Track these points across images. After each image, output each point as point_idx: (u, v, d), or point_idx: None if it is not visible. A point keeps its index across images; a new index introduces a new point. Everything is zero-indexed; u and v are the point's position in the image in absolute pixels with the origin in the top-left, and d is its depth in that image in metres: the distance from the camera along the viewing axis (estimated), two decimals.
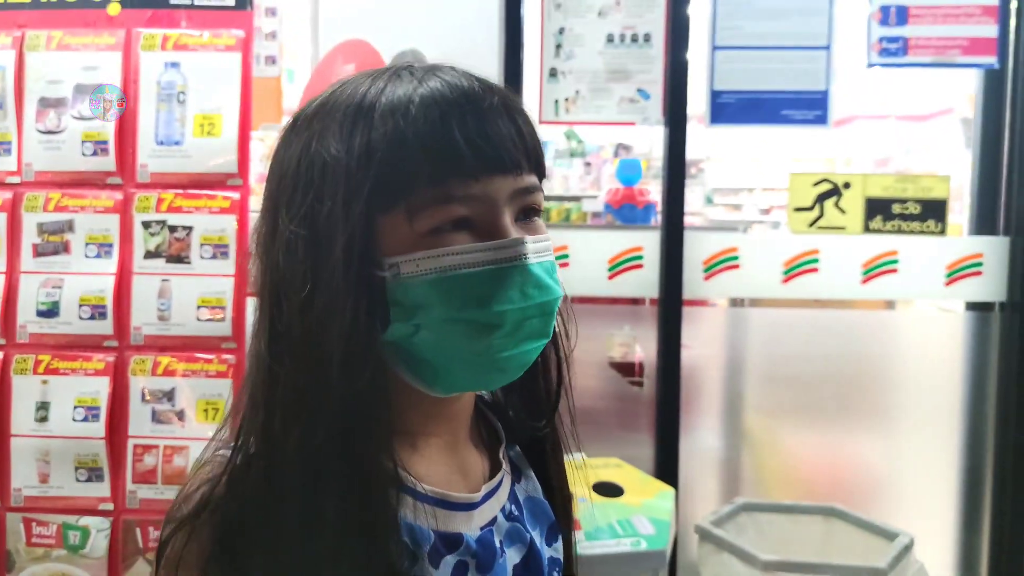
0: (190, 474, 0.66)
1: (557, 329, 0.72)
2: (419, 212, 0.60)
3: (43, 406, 1.77)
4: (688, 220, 2.40)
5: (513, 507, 0.73)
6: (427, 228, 0.61)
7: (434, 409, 0.68)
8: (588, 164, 5.36)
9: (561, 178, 5.18)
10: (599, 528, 1.79)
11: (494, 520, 0.70)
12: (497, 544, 0.70)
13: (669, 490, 1.97)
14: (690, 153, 2.37)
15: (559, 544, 0.76)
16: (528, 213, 0.65)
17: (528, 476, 0.77)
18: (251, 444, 0.62)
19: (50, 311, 1.78)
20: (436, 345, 0.62)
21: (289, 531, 0.59)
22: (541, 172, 0.67)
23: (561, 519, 0.78)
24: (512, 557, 0.71)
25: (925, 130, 5.96)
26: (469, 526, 0.68)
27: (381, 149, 0.60)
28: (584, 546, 1.72)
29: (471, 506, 0.69)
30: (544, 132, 5.26)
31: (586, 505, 1.89)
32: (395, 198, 0.60)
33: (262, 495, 0.60)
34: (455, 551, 0.66)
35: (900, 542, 1.90)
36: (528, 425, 0.76)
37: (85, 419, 1.76)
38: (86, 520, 1.76)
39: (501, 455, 0.75)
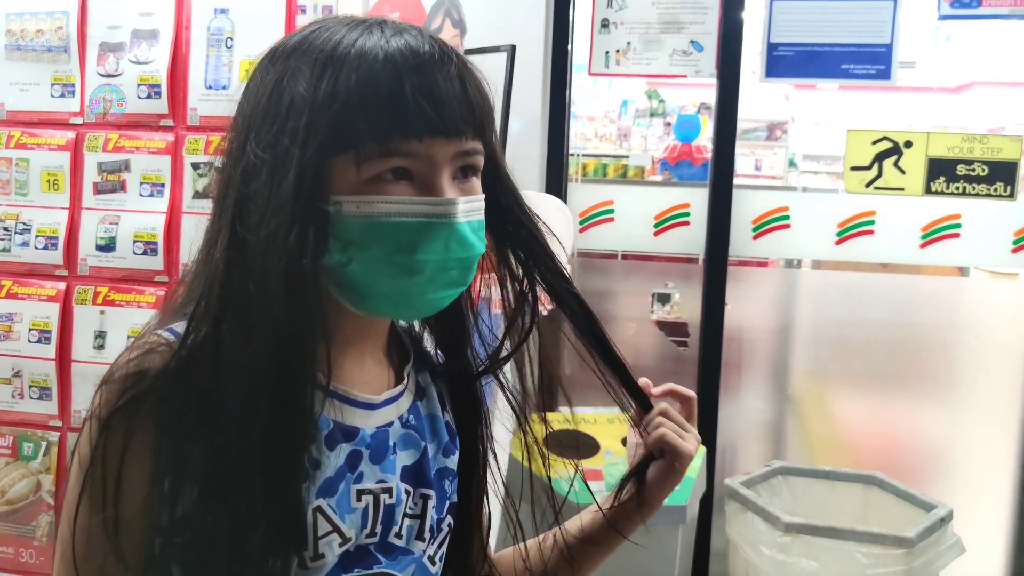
0: (128, 347, 0.71)
1: (527, 295, 0.81)
2: (365, 160, 0.67)
3: (100, 335, 1.89)
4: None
5: (412, 418, 0.80)
6: (370, 175, 0.67)
7: (353, 322, 0.75)
8: (668, 124, 5.27)
9: (640, 138, 5.11)
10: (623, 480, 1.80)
11: (391, 424, 0.78)
12: (391, 444, 0.77)
13: (700, 448, 1.97)
14: (774, 114, 2.32)
15: (454, 458, 0.83)
16: (466, 172, 0.72)
17: (431, 398, 0.84)
18: (200, 336, 0.68)
19: (107, 246, 1.89)
20: (364, 278, 0.69)
21: (226, 419, 0.66)
22: (486, 136, 0.73)
23: (467, 459, 0.85)
24: (403, 459, 0.78)
25: None
26: (367, 423, 0.76)
27: (340, 98, 0.67)
28: (603, 497, 1.74)
29: (370, 406, 0.76)
30: (621, 89, 5.20)
31: (612, 457, 1.91)
32: (346, 144, 0.67)
33: (204, 381, 0.67)
34: (351, 441, 0.74)
35: (936, 513, 1.85)
36: (450, 363, 0.84)
37: None
38: None
39: (406, 372, 0.82)
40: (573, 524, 0.95)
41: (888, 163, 2.25)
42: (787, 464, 2.18)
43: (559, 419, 2.10)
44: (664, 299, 2.43)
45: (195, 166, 1.88)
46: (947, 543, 1.84)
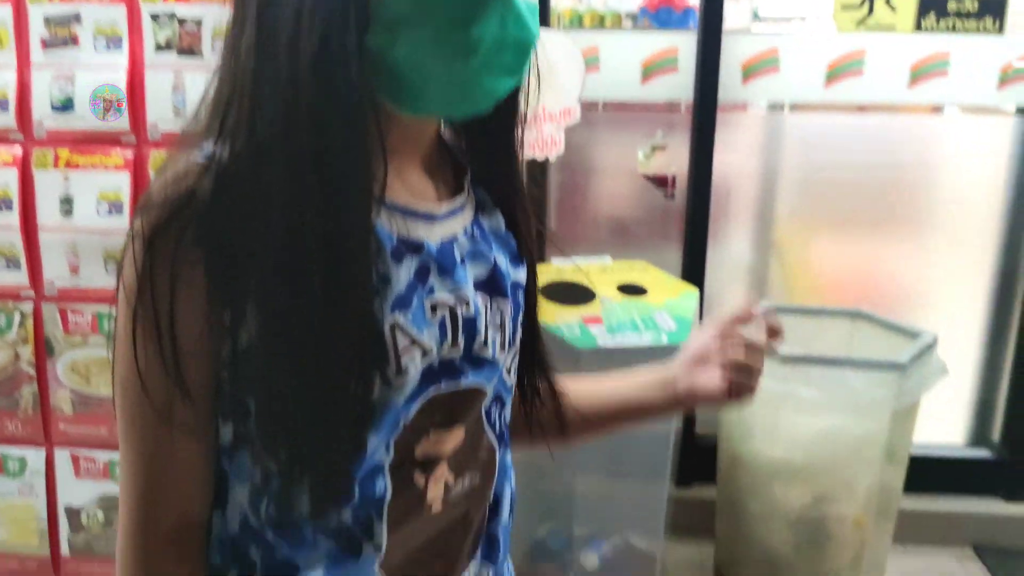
0: (159, 173, 0.65)
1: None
2: None
3: (67, 200, 1.78)
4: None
5: (476, 230, 0.75)
6: None
7: (398, 128, 0.68)
8: None
9: None
10: (620, 322, 1.79)
11: (455, 237, 0.72)
12: (457, 257, 0.72)
13: (693, 290, 1.96)
14: None
15: (523, 271, 0.79)
16: None
17: (492, 212, 0.78)
18: (236, 140, 0.62)
19: (64, 106, 1.76)
20: (413, 62, 0.62)
21: (279, 236, 0.60)
22: None
23: (524, 252, 0.80)
24: (474, 272, 0.73)
25: None
26: (431, 235, 0.70)
27: None
28: (605, 340, 1.73)
29: (432, 218, 0.71)
30: None
31: (609, 303, 1.89)
32: None
33: (248, 196, 0.61)
34: (417, 254, 0.69)
35: (923, 340, 1.88)
36: (487, 169, 0.78)
37: (109, 213, 1.77)
38: None
39: (465, 183, 0.76)
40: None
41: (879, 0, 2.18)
42: (776, 304, 2.19)
43: (552, 270, 2.07)
44: (654, 149, 2.37)
45: (154, 16, 1.73)
46: (933, 366, 1.88)
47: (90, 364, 1.81)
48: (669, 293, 1.93)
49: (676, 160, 2.38)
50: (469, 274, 0.72)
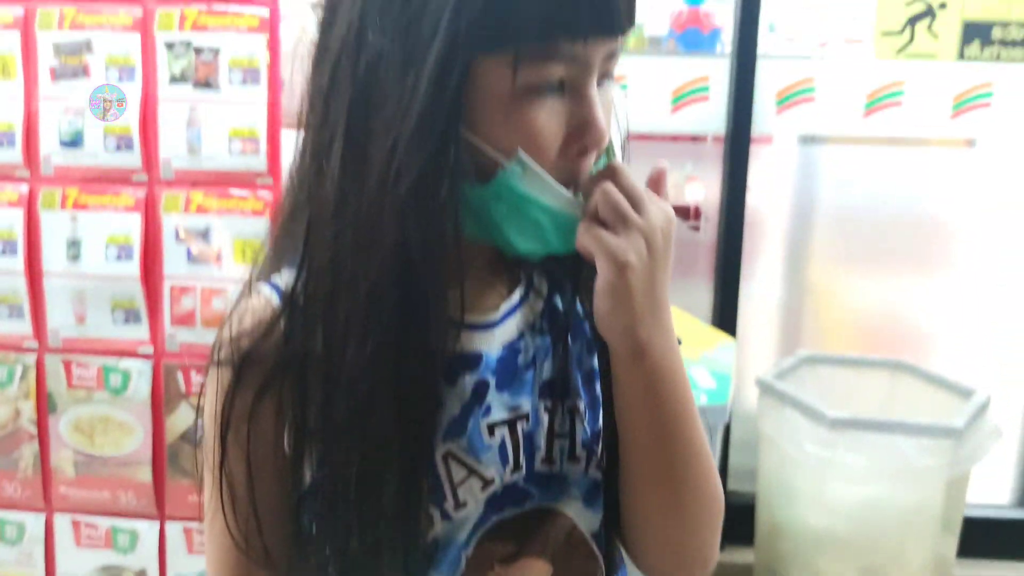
0: (229, 312, 0.65)
1: None
2: (525, 63, 0.54)
3: (74, 244, 1.67)
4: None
5: (543, 321, 0.68)
6: (527, 84, 0.55)
7: (469, 244, 0.62)
8: None
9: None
10: None
11: (520, 337, 0.67)
12: (520, 362, 0.66)
13: (731, 340, 1.87)
14: None
15: (595, 360, 0.70)
16: (605, 77, 0.60)
17: (563, 288, 0.70)
18: (312, 272, 0.60)
19: (74, 141, 1.65)
20: (508, 214, 0.58)
21: (350, 375, 0.58)
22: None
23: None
24: (543, 371, 0.67)
25: None
26: (490, 345, 0.65)
27: None
28: None
29: (491, 325, 0.66)
30: None
31: None
32: (505, 40, 0.54)
33: (322, 342, 0.60)
34: (474, 370, 0.64)
35: (976, 401, 1.79)
36: None
37: (118, 258, 1.66)
38: (126, 363, 1.69)
39: (520, 272, 0.69)
40: None
41: (921, 26, 2.09)
42: (813, 353, 2.10)
43: None
44: (681, 180, 2.28)
45: (169, 45, 1.62)
46: (987, 429, 1.79)
47: (94, 422, 1.69)
48: (704, 344, 1.84)
49: (703, 191, 2.29)
50: (534, 379, 0.66)
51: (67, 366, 1.70)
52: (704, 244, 2.30)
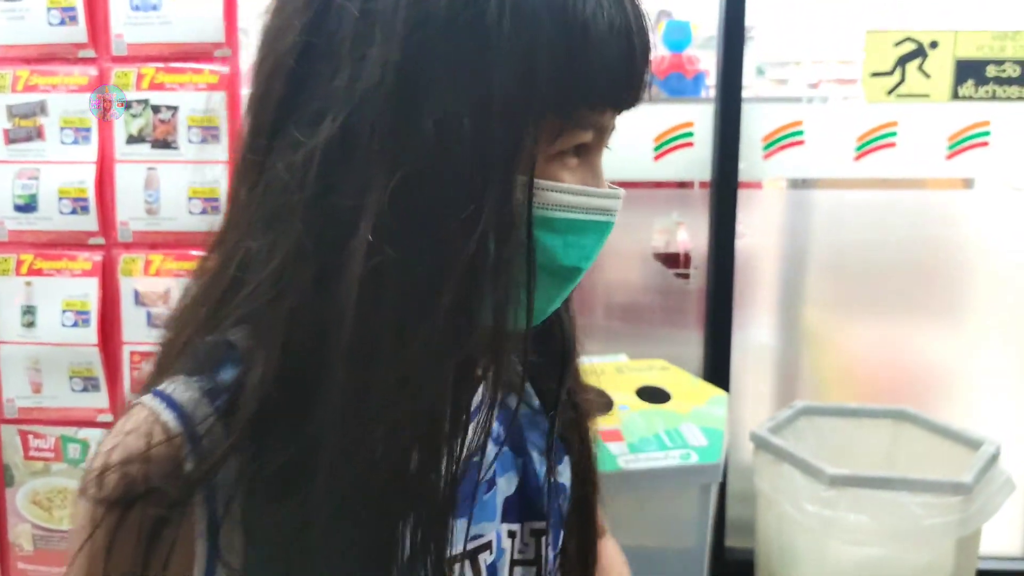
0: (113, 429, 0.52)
1: None
2: (565, 128, 0.52)
3: (29, 311, 1.61)
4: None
5: (501, 428, 0.60)
6: (558, 150, 0.52)
7: None
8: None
9: None
10: (644, 439, 1.61)
11: (478, 451, 0.55)
12: (480, 481, 0.57)
13: (722, 395, 1.77)
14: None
15: (565, 466, 0.64)
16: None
17: (525, 389, 0.63)
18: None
19: (28, 205, 1.59)
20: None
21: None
22: None
23: (570, 429, 0.65)
24: (503, 488, 0.60)
25: None
26: None
27: (580, 38, 0.49)
28: (627, 459, 1.54)
29: None
30: None
31: (628, 413, 1.71)
32: (574, 102, 0.51)
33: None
34: None
35: (985, 451, 1.69)
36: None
37: (75, 324, 1.60)
38: (85, 432, 1.62)
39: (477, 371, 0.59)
40: None
41: (912, 66, 2.03)
42: (810, 403, 2.00)
43: None
44: (665, 229, 2.21)
45: (126, 104, 1.58)
46: (998, 482, 1.68)
47: (52, 494, 1.62)
48: (695, 399, 1.75)
49: (690, 238, 2.22)
50: (498, 497, 0.58)
51: (24, 437, 1.63)
52: (694, 292, 2.22)
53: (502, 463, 0.59)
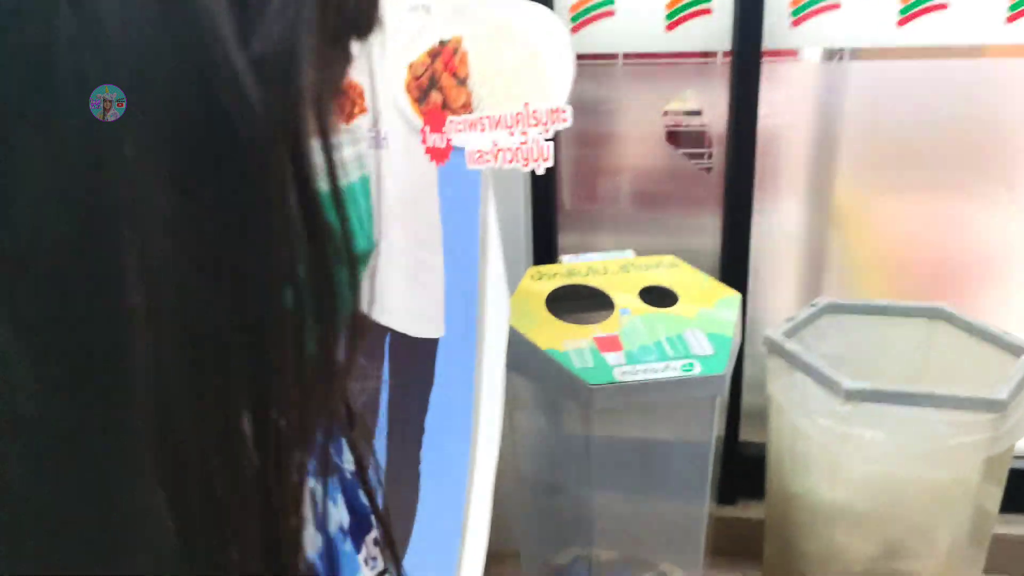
0: None
1: None
2: None
3: None
4: None
5: None
6: None
7: None
8: None
9: None
10: (644, 347, 1.46)
11: None
12: None
13: (734, 296, 1.60)
14: None
15: None
16: None
17: None
18: None
19: None
20: None
21: None
22: None
23: None
24: None
25: None
26: None
27: None
28: (623, 371, 1.40)
29: None
30: None
31: (629, 317, 1.56)
32: None
33: None
34: None
35: None
36: None
37: None
38: None
39: None
40: None
41: None
42: (835, 300, 1.83)
43: (562, 271, 1.72)
44: (680, 106, 1.99)
45: None
46: None
47: None
48: (703, 300, 1.58)
49: (711, 114, 2.00)
50: None
51: None
52: (712, 176, 2.02)
53: None
